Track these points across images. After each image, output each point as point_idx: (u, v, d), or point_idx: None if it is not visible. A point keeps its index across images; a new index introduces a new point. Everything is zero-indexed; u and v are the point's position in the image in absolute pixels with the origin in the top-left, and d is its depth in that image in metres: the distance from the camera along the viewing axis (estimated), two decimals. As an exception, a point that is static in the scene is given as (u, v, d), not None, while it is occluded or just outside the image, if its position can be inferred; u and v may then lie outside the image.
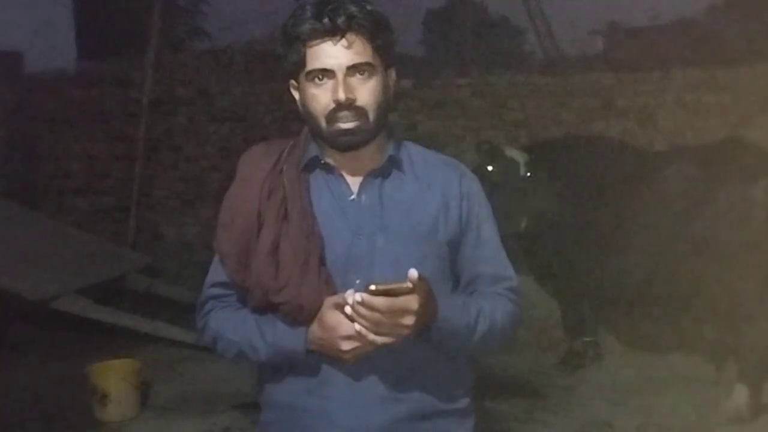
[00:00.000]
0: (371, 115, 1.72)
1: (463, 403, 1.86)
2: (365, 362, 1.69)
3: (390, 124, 1.84)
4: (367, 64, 1.71)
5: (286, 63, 1.77)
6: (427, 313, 1.62)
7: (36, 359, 5.54)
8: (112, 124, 8.09)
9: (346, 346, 1.63)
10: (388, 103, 1.77)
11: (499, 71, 7.64)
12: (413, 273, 1.57)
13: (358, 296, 1.57)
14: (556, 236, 5.10)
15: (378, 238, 1.74)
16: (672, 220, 4.62)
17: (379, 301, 1.56)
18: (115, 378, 4.69)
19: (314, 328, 1.68)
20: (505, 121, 6.93)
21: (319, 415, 1.75)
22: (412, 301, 1.57)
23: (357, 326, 1.59)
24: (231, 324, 1.79)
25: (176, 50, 9.54)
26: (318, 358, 1.71)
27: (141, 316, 5.83)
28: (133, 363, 4.88)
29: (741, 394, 4.37)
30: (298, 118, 1.82)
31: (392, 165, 1.80)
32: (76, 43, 11.05)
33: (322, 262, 1.71)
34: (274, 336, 1.73)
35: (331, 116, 1.71)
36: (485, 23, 11.98)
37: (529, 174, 5.03)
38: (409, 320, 1.58)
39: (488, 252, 1.84)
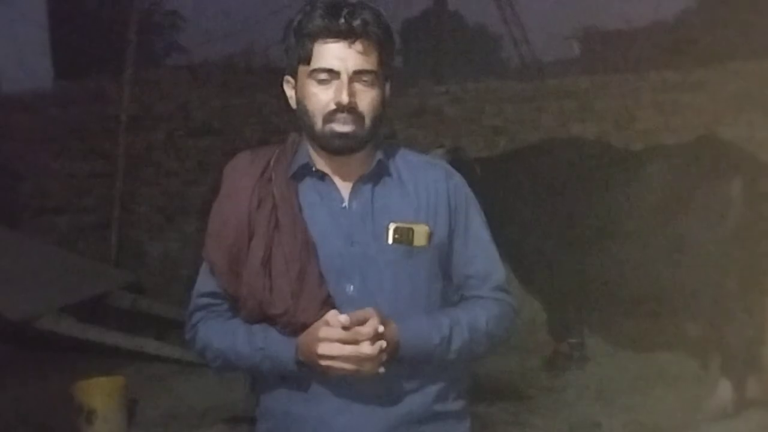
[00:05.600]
0: (367, 123, 1.73)
1: (459, 404, 1.86)
2: None
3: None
4: (372, 72, 1.72)
5: (288, 58, 1.77)
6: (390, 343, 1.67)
7: (20, 379, 5.49)
8: (90, 141, 8.05)
9: (321, 349, 1.63)
10: (383, 113, 1.78)
11: (476, 78, 7.69)
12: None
13: (344, 318, 1.63)
14: (538, 239, 5.13)
15: (370, 245, 1.75)
16: (651, 219, 4.66)
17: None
18: (101, 395, 4.66)
19: (302, 336, 1.69)
20: (484, 127, 6.97)
21: (316, 422, 1.75)
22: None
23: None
24: (219, 333, 1.78)
25: (153, 66, 9.53)
26: (306, 371, 1.70)
27: (126, 333, 5.81)
28: (119, 380, 4.85)
29: (725, 390, 4.40)
30: (276, 130, 1.83)
31: (381, 170, 1.80)
32: (53, 62, 11.00)
33: (319, 273, 1.71)
34: (265, 342, 1.72)
35: (329, 117, 1.71)
36: (461, 31, 12.06)
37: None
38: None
39: (477, 250, 1.85)
